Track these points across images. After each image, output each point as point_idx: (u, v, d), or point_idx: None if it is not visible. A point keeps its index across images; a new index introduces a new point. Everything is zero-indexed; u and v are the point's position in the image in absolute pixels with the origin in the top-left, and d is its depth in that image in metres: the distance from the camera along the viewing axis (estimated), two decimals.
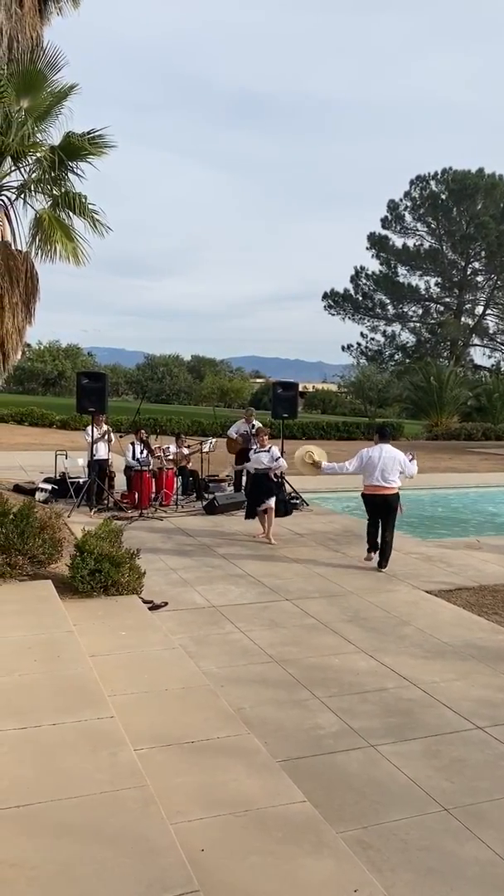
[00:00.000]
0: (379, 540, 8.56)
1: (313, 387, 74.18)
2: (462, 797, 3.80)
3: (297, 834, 3.22)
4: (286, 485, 12.39)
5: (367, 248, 51.47)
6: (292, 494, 12.34)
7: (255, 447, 10.22)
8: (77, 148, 10.20)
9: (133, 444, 12.00)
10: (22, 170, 10.62)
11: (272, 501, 9.75)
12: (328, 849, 3.13)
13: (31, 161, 10.43)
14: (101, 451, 11.80)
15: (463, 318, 51.83)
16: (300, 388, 15.05)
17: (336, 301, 52.32)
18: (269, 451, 9.89)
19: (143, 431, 12.35)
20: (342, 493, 14.33)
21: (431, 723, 4.63)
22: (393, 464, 8.45)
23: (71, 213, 10.60)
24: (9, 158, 10.34)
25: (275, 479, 9.96)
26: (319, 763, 4.10)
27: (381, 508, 8.49)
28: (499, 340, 51.83)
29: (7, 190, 10.65)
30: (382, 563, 8.51)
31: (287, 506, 10.63)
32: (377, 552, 8.59)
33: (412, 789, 3.87)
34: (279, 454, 10.00)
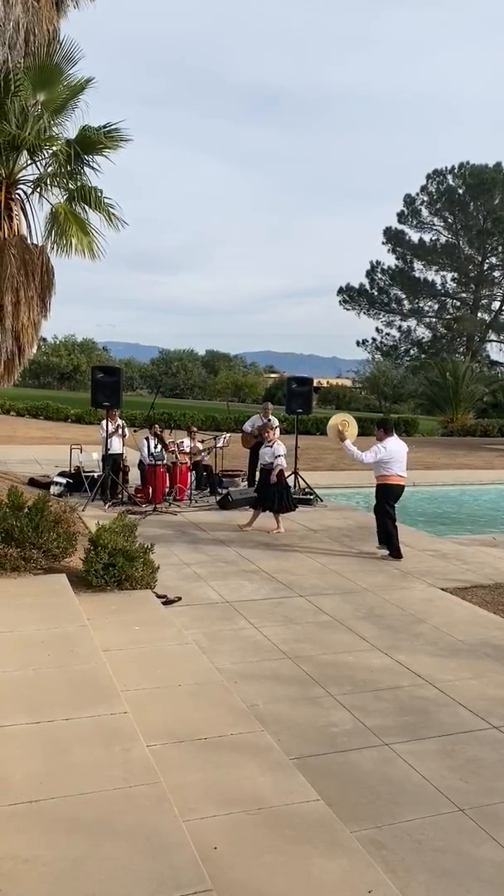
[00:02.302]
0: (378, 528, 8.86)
1: (328, 382, 73.99)
2: (477, 797, 3.76)
3: (311, 833, 3.19)
4: (300, 480, 12.36)
5: (382, 243, 51.27)
6: (306, 490, 12.31)
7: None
8: (93, 141, 10.20)
9: (147, 438, 12.00)
10: (38, 163, 10.64)
11: (272, 505, 9.92)
12: (342, 848, 3.10)
13: (46, 155, 10.45)
14: (116, 445, 11.83)
15: (479, 314, 51.49)
16: (315, 384, 14.97)
17: (351, 296, 52.15)
18: (271, 448, 9.99)
19: (156, 426, 12.35)
20: (356, 489, 14.28)
21: (446, 722, 4.58)
22: (405, 454, 8.85)
23: (86, 207, 10.60)
24: (25, 152, 10.36)
25: (274, 477, 9.95)
26: (333, 761, 4.07)
27: (398, 497, 8.83)
28: None
29: (23, 184, 10.67)
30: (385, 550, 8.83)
31: (287, 501, 10.50)
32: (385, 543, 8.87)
33: (427, 789, 3.83)
34: (280, 452, 10.06)
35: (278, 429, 12.87)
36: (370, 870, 2.97)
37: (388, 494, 8.73)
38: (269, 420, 12.48)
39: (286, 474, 10.42)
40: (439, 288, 51.73)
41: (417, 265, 51.18)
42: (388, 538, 8.73)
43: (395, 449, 8.66)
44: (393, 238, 50.69)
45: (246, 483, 12.80)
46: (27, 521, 6.97)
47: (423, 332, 52.70)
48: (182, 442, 12.66)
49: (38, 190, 10.58)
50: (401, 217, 50.55)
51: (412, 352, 53.30)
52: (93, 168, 10.54)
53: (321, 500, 12.29)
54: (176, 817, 3.07)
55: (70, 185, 10.58)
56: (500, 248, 48.92)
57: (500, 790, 3.84)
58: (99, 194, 10.51)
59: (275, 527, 9.90)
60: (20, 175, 10.61)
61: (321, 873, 2.93)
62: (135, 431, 13.23)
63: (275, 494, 9.91)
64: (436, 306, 52.56)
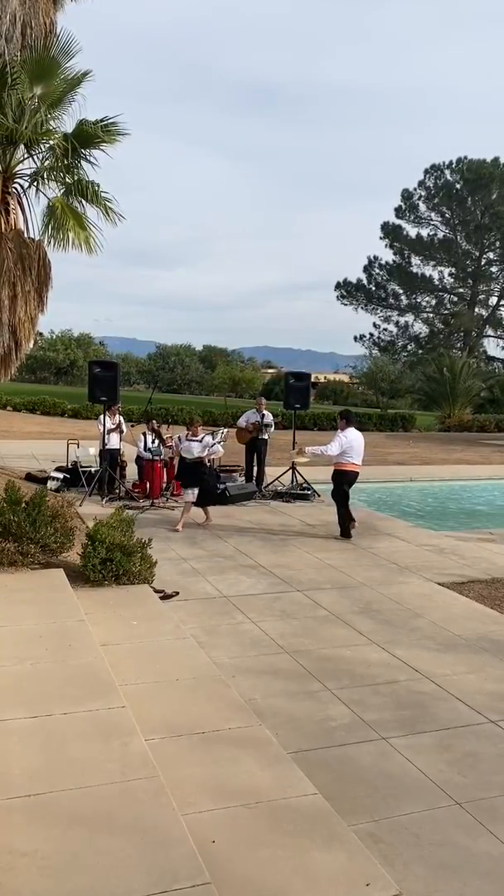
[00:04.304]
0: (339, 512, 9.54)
1: (325, 377, 73.95)
2: (475, 791, 3.77)
3: (309, 826, 3.20)
4: (297, 475, 12.35)
5: (380, 238, 51.19)
6: (303, 485, 12.31)
7: (187, 435, 10.06)
8: (90, 135, 10.15)
9: (145, 434, 11.99)
10: (35, 157, 10.59)
11: (194, 495, 9.70)
12: (340, 842, 3.11)
13: (44, 148, 10.40)
14: (113, 440, 11.81)
15: (477, 309, 51.49)
16: (312, 379, 14.97)
17: (349, 291, 52.10)
18: (200, 441, 9.86)
19: (154, 421, 12.33)
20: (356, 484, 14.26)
21: (444, 716, 4.60)
22: (362, 444, 9.58)
23: (83, 202, 10.56)
24: (22, 146, 10.31)
25: (207, 467, 9.94)
26: (331, 755, 4.08)
27: (353, 484, 9.59)
28: None
29: (20, 178, 10.63)
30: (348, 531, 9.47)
31: (221, 497, 10.36)
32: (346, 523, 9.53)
33: (424, 783, 3.84)
34: (213, 441, 10.00)
35: (273, 425, 12.87)
36: (368, 863, 2.98)
37: (344, 480, 9.47)
38: (264, 415, 12.48)
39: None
40: (437, 283, 51.70)
41: (415, 260, 51.14)
42: (342, 520, 9.52)
43: (353, 438, 9.46)
44: (390, 233, 50.62)
45: (243, 478, 12.79)
46: (24, 516, 6.96)
47: (420, 328, 52.69)
48: (180, 437, 12.64)
49: (35, 184, 10.53)
50: (398, 212, 50.48)
51: (409, 347, 53.27)
52: (90, 162, 10.49)
53: (318, 496, 12.28)
54: (174, 811, 3.08)
55: (67, 180, 10.53)
56: (497, 244, 48.89)
57: (498, 784, 3.85)
58: (96, 188, 10.47)
59: (204, 519, 9.94)
60: (17, 169, 10.56)
61: (319, 866, 2.94)
62: (132, 427, 13.20)
63: (199, 483, 9.71)
64: (433, 302, 52.52)
